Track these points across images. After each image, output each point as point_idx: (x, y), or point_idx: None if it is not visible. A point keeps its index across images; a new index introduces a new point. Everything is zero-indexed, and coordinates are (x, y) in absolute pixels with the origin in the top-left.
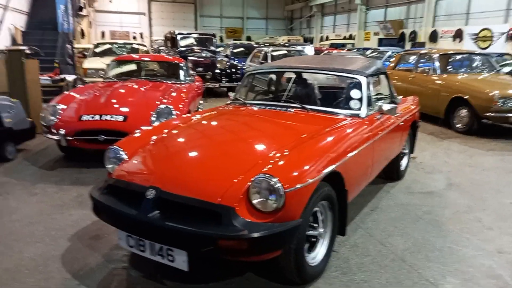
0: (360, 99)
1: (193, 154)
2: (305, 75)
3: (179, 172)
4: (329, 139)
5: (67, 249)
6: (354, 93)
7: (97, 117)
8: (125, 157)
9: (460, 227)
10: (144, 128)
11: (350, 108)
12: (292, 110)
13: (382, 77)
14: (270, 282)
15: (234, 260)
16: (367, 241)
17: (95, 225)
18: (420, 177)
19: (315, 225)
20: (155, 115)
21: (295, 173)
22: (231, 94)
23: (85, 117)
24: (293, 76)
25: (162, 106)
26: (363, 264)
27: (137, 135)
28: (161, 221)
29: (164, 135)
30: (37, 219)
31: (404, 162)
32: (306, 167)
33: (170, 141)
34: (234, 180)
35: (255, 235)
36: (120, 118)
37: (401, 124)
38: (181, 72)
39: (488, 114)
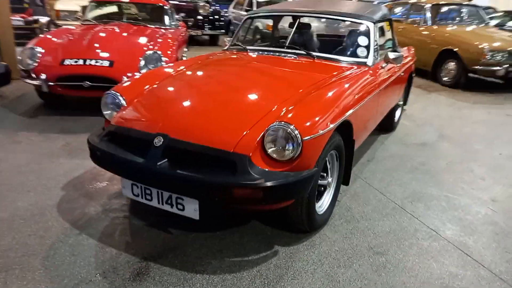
0: (367, 47)
1: (200, 101)
2: (306, 21)
3: (189, 119)
4: (340, 88)
5: (62, 198)
6: (361, 40)
7: (80, 62)
8: (124, 103)
9: (455, 177)
10: (138, 74)
11: (356, 56)
12: (295, 56)
13: (386, 24)
14: (274, 229)
15: (245, 209)
16: (367, 191)
17: (88, 174)
18: (412, 129)
19: (324, 174)
20: (143, 61)
21: (312, 122)
22: (227, 40)
23: (67, 62)
24: (293, 21)
25: (150, 51)
26: (365, 213)
27: (131, 81)
28: (171, 169)
29: (163, 81)
30: (26, 169)
31: (397, 113)
32: (322, 116)
33: (173, 87)
34: (248, 129)
35: (272, 184)
36: (106, 63)
37: (402, 74)
38: (166, 17)
39: (476, 67)
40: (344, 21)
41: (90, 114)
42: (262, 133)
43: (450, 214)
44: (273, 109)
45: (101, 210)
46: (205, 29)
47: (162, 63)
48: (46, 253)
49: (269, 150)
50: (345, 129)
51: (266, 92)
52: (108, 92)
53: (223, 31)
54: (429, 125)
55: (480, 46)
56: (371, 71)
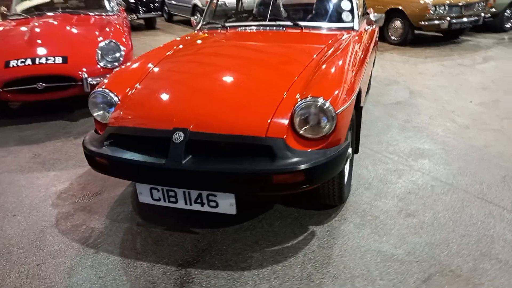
0: (351, 11)
1: (209, 87)
2: None
3: (206, 108)
4: (345, 57)
5: (57, 216)
6: (344, 4)
7: (29, 62)
8: (117, 100)
9: (442, 129)
10: (99, 67)
11: (342, 21)
12: (282, 28)
13: None
14: (300, 210)
15: (283, 195)
16: (370, 156)
17: (75, 185)
18: (382, 89)
19: None
20: (100, 52)
21: (337, 95)
22: (195, 19)
23: (13, 63)
24: None
25: (106, 41)
26: (378, 178)
27: (115, 75)
28: (200, 165)
29: (157, 71)
30: None
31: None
32: (342, 88)
33: (171, 75)
34: (273, 111)
35: (313, 164)
36: (59, 59)
37: (377, 35)
38: (106, 1)
39: (421, 23)
40: None
41: (50, 119)
42: (291, 112)
43: (455, 165)
44: (290, 87)
45: (109, 222)
46: (140, 12)
47: (122, 52)
48: (68, 282)
49: (303, 129)
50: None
51: (275, 71)
52: (95, 90)
53: (159, 13)
54: (396, 84)
55: (422, 2)
56: (357, 36)
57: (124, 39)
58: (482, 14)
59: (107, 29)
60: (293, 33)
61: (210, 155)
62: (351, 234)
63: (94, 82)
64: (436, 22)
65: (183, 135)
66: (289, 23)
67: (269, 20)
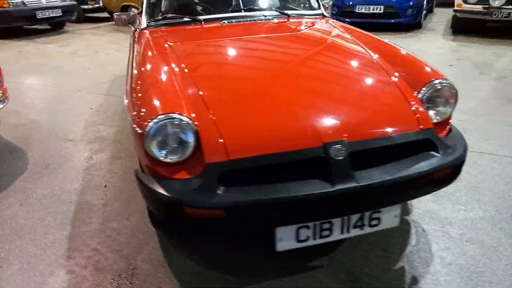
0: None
1: (312, 88)
2: None
3: (339, 112)
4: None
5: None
6: None
7: None
8: (194, 126)
9: None
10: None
11: (312, 8)
12: (270, 18)
13: None
14: None
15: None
16: None
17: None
18: None
19: None
20: None
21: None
22: (127, 15)
23: None
24: None
25: None
26: None
27: (170, 97)
28: (377, 179)
29: (221, 81)
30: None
31: None
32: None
33: (246, 83)
34: (406, 102)
35: (465, 150)
36: None
37: None
38: None
39: None
40: None
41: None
42: (419, 101)
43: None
44: (385, 76)
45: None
46: None
47: None
48: None
49: (433, 115)
50: None
51: (348, 65)
52: (157, 120)
53: None
54: None
55: None
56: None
57: None
58: None
59: None
60: (290, 22)
61: (368, 166)
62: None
63: None
64: None
65: (344, 148)
66: (274, 12)
67: (247, 11)
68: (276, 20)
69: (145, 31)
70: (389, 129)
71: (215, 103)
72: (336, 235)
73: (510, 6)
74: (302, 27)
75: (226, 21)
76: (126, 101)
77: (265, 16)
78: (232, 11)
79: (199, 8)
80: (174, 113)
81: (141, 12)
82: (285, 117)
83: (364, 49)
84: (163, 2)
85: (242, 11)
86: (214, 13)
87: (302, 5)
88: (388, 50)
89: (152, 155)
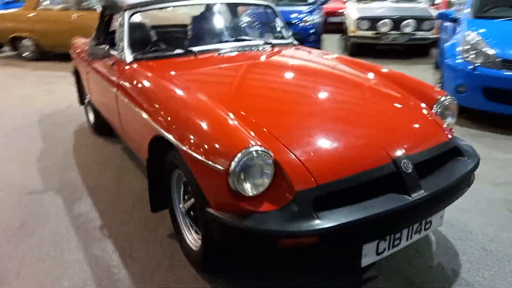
0: (284, 27)
1: (347, 110)
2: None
3: (387, 130)
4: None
5: None
6: (278, 21)
7: None
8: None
9: None
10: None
11: (283, 38)
12: (258, 48)
13: None
14: None
15: None
16: None
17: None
18: None
19: None
20: None
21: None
22: (100, 49)
23: None
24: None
25: None
26: None
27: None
28: (436, 186)
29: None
30: None
31: None
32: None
33: (297, 111)
34: (427, 116)
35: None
36: None
37: None
38: None
39: None
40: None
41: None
42: (433, 112)
43: None
44: (407, 98)
45: None
46: None
47: None
48: None
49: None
50: None
51: (364, 87)
52: (243, 154)
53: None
54: None
55: None
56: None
57: None
58: None
59: None
60: (279, 50)
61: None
62: None
63: None
64: None
65: (410, 162)
66: (259, 41)
67: (235, 41)
68: (267, 49)
69: (134, 65)
70: (430, 142)
71: (277, 131)
72: (403, 243)
73: (394, 32)
74: (303, 56)
75: (221, 53)
76: (131, 143)
77: (254, 45)
78: (219, 42)
79: (182, 40)
80: (254, 145)
81: (115, 44)
82: (349, 139)
83: (374, 74)
84: (139, 35)
85: (229, 41)
86: (199, 45)
87: (270, 35)
88: (389, 74)
89: (236, 191)
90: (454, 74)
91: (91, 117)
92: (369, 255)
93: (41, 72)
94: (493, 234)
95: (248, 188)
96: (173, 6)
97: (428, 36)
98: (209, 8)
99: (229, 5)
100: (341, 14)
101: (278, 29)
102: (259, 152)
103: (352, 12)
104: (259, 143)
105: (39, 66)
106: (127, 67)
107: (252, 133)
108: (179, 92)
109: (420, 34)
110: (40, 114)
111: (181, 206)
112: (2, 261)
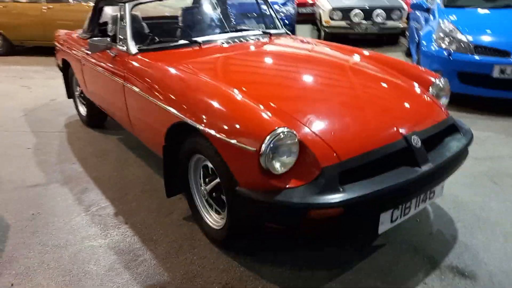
0: (276, 16)
1: (357, 93)
2: None
3: (392, 110)
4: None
5: None
6: (268, 12)
7: None
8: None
9: None
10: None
11: (276, 28)
12: (257, 38)
13: None
14: None
15: None
16: None
17: None
18: None
19: None
20: None
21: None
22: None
23: None
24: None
25: None
26: None
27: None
28: (442, 158)
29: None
30: None
31: None
32: None
33: (306, 92)
34: (426, 97)
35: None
36: None
37: None
38: None
39: None
40: None
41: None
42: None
43: None
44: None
45: None
46: None
47: None
48: None
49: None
50: None
51: (370, 72)
52: (273, 135)
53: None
54: None
55: None
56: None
57: None
58: None
59: None
60: (280, 39)
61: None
62: None
63: None
64: None
65: (418, 138)
66: (258, 32)
67: (236, 31)
68: (266, 39)
69: (139, 56)
70: (433, 120)
71: (297, 114)
72: (412, 211)
73: (366, 21)
74: (302, 45)
75: (225, 43)
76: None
77: (254, 35)
78: (220, 33)
79: (183, 31)
80: (281, 127)
81: (114, 36)
82: (363, 118)
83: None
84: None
85: (230, 32)
86: (199, 36)
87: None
88: (387, 60)
89: (267, 170)
90: (430, 60)
91: (82, 110)
92: (385, 223)
93: (13, 67)
94: (482, 202)
95: (278, 166)
96: None
97: (398, 25)
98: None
99: None
100: (312, 4)
101: (271, 19)
102: (285, 132)
103: (324, 3)
104: (284, 125)
105: (10, 61)
106: (133, 59)
107: (275, 117)
108: (199, 79)
109: (390, 23)
110: (24, 109)
111: (202, 188)
112: (20, 251)
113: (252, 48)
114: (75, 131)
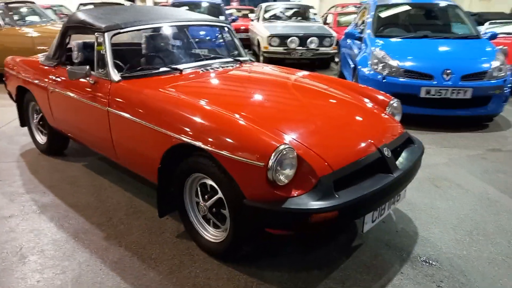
0: (241, 44)
1: (330, 113)
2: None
3: (363, 126)
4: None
5: None
6: (235, 41)
7: None
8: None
9: None
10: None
11: (241, 55)
12: (229, 65)
13: None
14: None
15: None
16: None
17: None
18: None
19: None
20: None
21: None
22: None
23: None
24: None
25: None
26: None
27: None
28: (408, 163)
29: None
30: None
31: None
32: None
33: (291, 109)
34: (385, 116)
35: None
36: None
37: None
38: None
39: None
40: (209, 26)
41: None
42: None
43: None
44: (368, 103)
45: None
46: None
47: None
48: None
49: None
50: None
51: (334, 96)
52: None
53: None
54: None
55: None
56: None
57: None
58: None
59: None
60: (247, 67)
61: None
62: None
63: None
64: None
65: (388, 149)
66: (229, 59)
67: (210, 59)
68: (237, 65)
69: (122, 83)
70: (395, 134)
71: (290, 132)
72: (386, 212)
73: (301, 48)
74: (272, 71)
75: (203, 69)
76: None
77: (226, 62)
78: (196, 61)
79: (158, 59)
80: (282, 144)
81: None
82: (344, 134)
83: (338, 85)
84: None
85: (204, 60)
86: (177, 64)
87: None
88: (349, 84)
89: (273, 182)
90: (368, 83)
91: (40, 138)
92: (368, 223)
93: None
94: (430, 203)
95: (282, 178)
96: (151, 28)
97: (329, 51)
98: (176, 29)
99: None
100: (245, 30)
101: (235, 47)
102: (286, 149)
103: (262, 30)
104: (285, 142)
105: None
106: (117, 86)
107: (276, 136)
108: (195, 103)
109: (322, 49)
110: None
111: (202, 204)
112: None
113: (233, 73)
114: (34, 159)
